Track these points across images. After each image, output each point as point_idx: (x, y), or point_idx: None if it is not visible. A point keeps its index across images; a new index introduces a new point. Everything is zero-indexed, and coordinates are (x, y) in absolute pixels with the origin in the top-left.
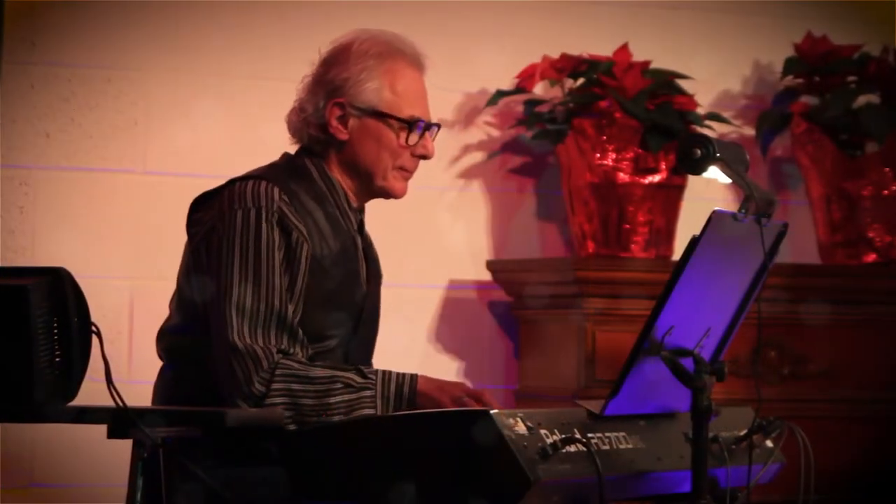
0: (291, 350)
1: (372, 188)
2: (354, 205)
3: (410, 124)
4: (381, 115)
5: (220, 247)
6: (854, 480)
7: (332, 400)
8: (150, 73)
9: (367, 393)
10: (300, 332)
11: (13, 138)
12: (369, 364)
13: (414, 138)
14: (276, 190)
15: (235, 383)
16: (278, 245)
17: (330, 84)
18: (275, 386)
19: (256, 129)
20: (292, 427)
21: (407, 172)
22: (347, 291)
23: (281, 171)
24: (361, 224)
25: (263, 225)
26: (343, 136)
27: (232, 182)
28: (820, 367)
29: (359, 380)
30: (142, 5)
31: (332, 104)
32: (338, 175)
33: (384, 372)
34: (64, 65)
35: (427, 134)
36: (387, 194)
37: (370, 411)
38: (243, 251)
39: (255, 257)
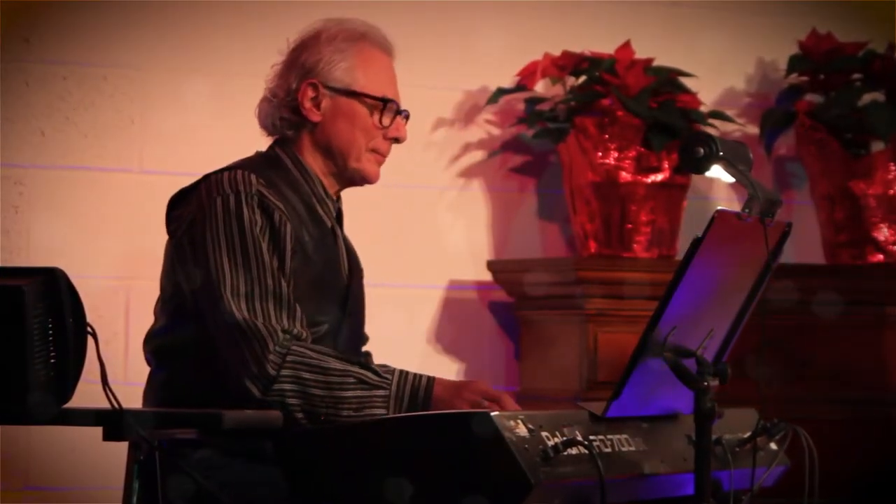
0: (294, 328)
1: (346, 171)
2: (331, 191)
3: (384, 103)
4: (354, 94)
5: (204, 236)
6: (859, 484)
7: (344, 394)
8: (146, 72)
9: (381, 392)
10: (298, 308)
11: (8, 137)
12: (358, 356)
13: (387, 119)
14: (252, 176)
15: (243, 364)
16: (262, 226)
17: (302, 66)
18: (284, 372)
19: (254, 127)
20: (300, 415)
21: (380, 156)
22: (330, 279)
23: (255, 163)
24: (340, 214)
25: (245, 208)
26: (316, 117)
27: (206, 176)
28: (824, 368)
29: (374, 378)
30: (138, 3)
31: (306, 85)
32: (311, 161)
33: (401, 372)
34: (59, 63)
35: (399, 117)
36: (361, 178)
37: (381, 411)
38: (229, 237)
39: (240, 240)
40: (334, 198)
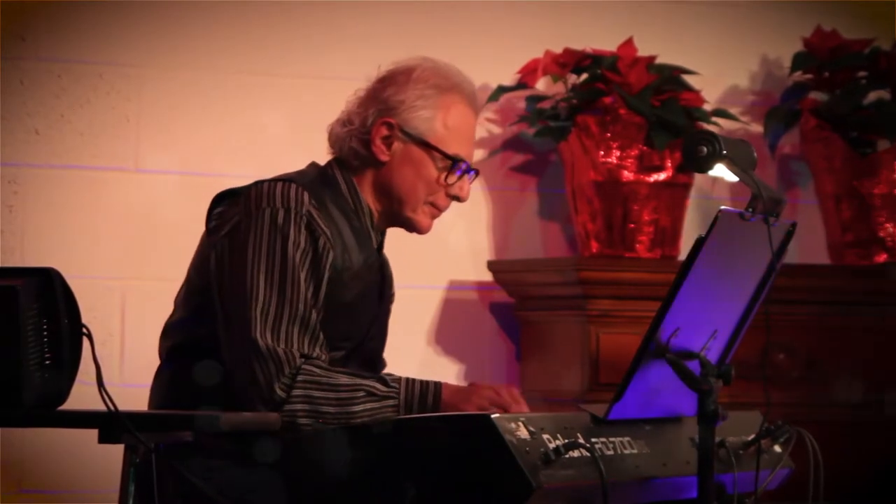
0: (314, 353)
1: (399, 217)
2: (378, 226)
3: (455, 162)
4: (427, 146)
5: (246, 245)
6: (865, 487)
7: (355, 409)
8: (142, 69)
9: (391, 402)
10: (321, 336)
11: (2, 135)
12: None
13: (453, 178)
14: (305, 194)
15: (256, 387)
16: (305, 249)
17: (384, 102)
18: (295, 392)
19: (252, 125)
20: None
21: (437, 210)
22: (361, 306)
23: (310, 178)
24: (381, 246)
25: (292, 227)
26: (384, 157)
27: (259, 182)
28: (829, 370)
29: (382, 388)
30: (134, 0)
31: (381, 123)
32: (367, 194)
33: (408, 380)
34: (54, 60)
35: (466, 177)
36: (412, 227)
37: None
38: (270, 252)
39: (282, 259)
40: (380, 230)
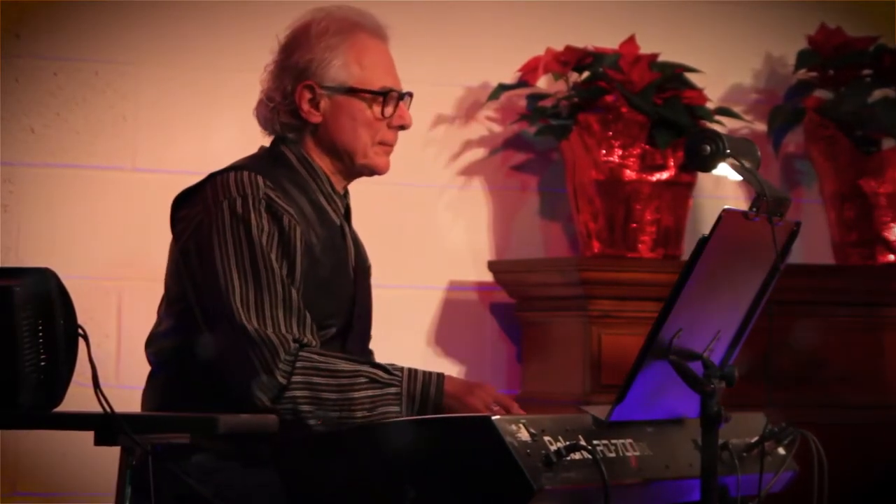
0: (304, 337)
1: (354, 167)
2: (338, 188)
3: (384, 95)
4: (352, 91)
5: (212, 242)
6: (869, 490)
7: (356, 395)
8: (139, 67)
9: (393, 389)
10: (308, 316)
11: None
12: (367, 356)
13: (389, 110)
14: (259, 178)
15: (251, 372)
16: (270, 232)
17: (295, 68)
18: (295, 378)
19: (249, 124)
20: (312, 421)
21: (388, 146)
22: (339, 280)
23: (261, 161)
24: (348, 210)
25: (252, 213)
26: (316, 118)
27: (212, 176)
28: (834, 371)
29: (384, 376)
30: None
31: (301, 87)
32: (318, 159)
33: (410, 369)
34: (50, 58)
35: (401, 103)
36: (370, 171)
37: (395, 409)
38: (237, 242)
39: (249, 247)
40: (342, 193)
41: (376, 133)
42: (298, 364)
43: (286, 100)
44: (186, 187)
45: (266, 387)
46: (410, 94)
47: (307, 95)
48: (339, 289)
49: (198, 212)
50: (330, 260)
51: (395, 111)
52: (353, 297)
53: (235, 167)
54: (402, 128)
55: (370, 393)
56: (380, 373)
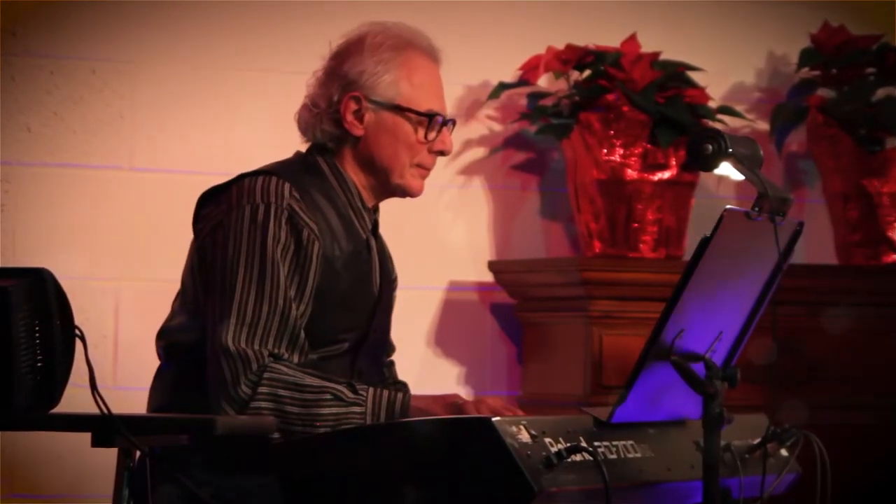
0: (286, 355)
1: (388, 186)
2: (368, 204)
3: (429, 118)
4: (398, 109)
5: (226, 243)
6: (873, 491)
7: (320, 411)
8: (136, 65)
9: (357, 409)
10: (301, 336)
11: None
12: (378, 372)
13: (432, 133)
14: (286, 186)
15: (222, 384)
16: (286, 244)
17: (344, 78)
18: (261, 390)
19: (248, 123)
20: (276, 435)
21: (424, 170)
22: (359, 294)
23: (292, 168)
24: (376, 224)
25: (272, 222)
26: (359, 131)
27: (241, 177)
28: (837, 372)
29: (349, 394)
30: None
31: (348, 98)
32: (352, 173)
33: (376, 389)
34: (46, 56)
35: (445, 129)
36: (403, 192)
37: None
38: (250, 249)
39: (261, 255)
40: (371, 209)
41: (415, 155)
42: (266, 375)
43: (331, 108)
44: (213, 185)
45: (232, 399)
46: (454, 122)
47: (353, 107)
48: (358, 303)
49: (221, 211)
50: (351, 274)
51: (437, 136)
52: (374, 310)
53: (266, 171)
54: (442, 153)
55: (334, 410)
56: (346, 391)
